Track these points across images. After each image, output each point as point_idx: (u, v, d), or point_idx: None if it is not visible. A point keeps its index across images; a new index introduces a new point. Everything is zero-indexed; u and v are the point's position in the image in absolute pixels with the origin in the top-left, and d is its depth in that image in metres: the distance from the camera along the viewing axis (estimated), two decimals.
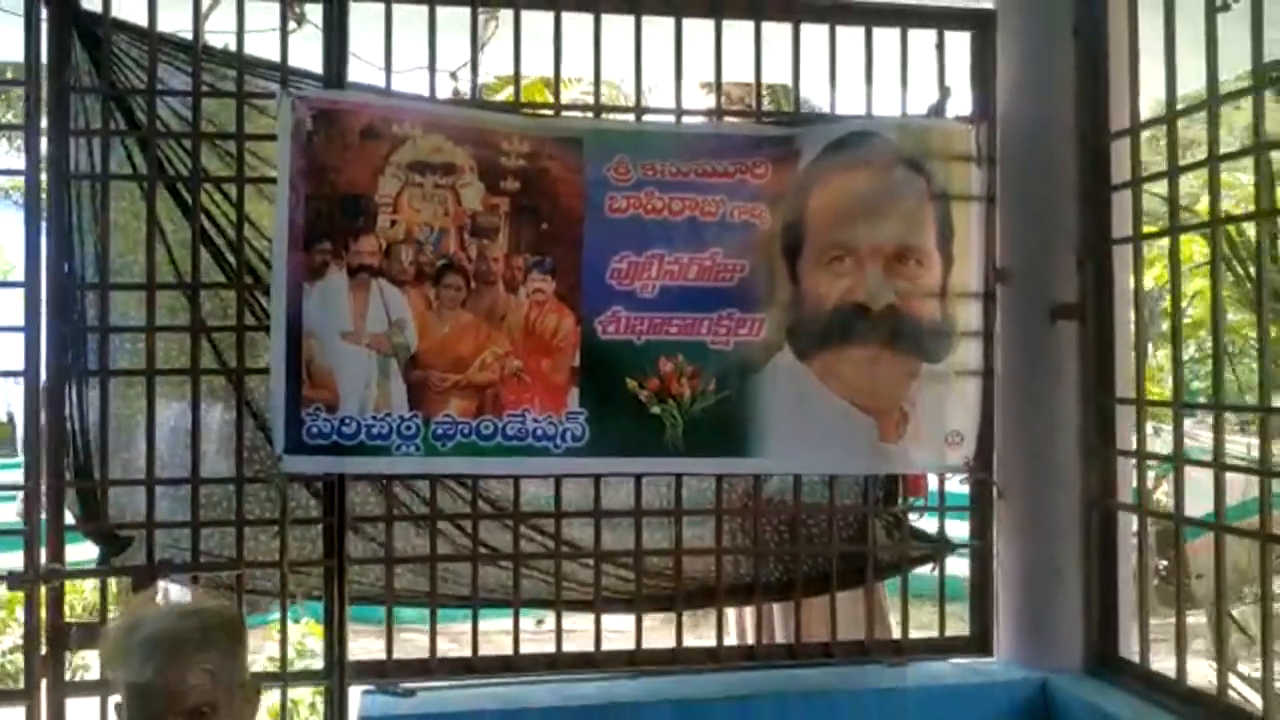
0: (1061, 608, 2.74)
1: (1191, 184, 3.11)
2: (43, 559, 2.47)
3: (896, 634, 2.98)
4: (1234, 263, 3.47)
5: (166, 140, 2.60)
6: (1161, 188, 2.52)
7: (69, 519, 2.54)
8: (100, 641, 1.93)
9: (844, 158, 2.77)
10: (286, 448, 2.53)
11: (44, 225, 2.50)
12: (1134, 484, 2.71)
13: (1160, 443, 2.48)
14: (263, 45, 2.63)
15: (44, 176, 2.51)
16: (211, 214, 2.64)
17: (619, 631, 2.86)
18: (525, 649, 2.77)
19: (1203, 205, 3.30)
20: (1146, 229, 2.60)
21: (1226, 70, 2.37)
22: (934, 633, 2.93)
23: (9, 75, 2.56)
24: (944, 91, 2.86)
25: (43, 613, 2.48)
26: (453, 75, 3.03)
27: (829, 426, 2.77)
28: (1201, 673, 2.68)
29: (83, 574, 2.68)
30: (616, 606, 2.85)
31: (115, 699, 1.76)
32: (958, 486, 3.03)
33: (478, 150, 2.62)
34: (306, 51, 2.64)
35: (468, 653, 2.72)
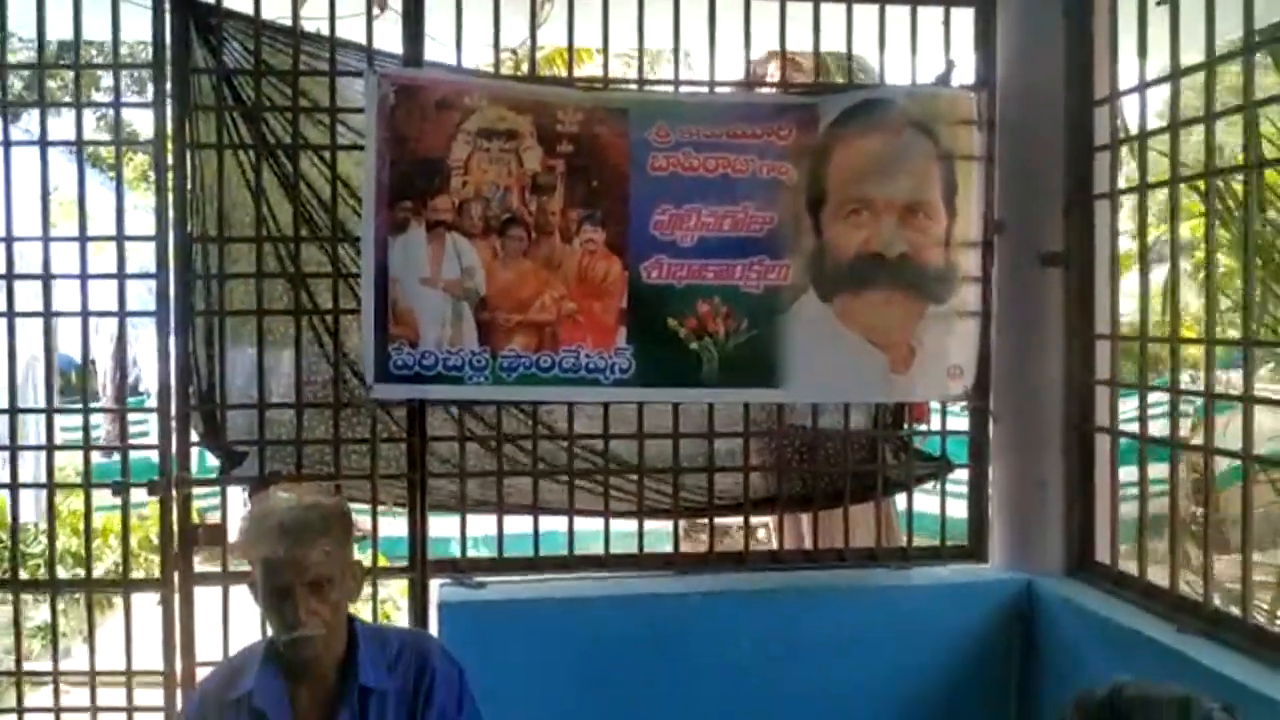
0: (1046, 519, 3.14)
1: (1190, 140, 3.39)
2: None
3: (903, 543, 3.39)
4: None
5: (271, 112, 3.02)
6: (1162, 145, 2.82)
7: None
8: (240, 528, 2.37)
9: (860, 122, 3.10)
10: (375, 378, 2.95)
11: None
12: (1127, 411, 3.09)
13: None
14: (350, 29, 3.01)
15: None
16: (308, 176, 3.06)
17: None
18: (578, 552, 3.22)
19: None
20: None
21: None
22: (936, 543, 3.35)
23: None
24: (949, 63, 3.20)
25: (174, 516, 2.96)
26: (513, 52, 3.41)
27: (846, 360, 3.13)
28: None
29: (207, 482, 3.10)
30: (657, 516, 3.28)
31: (249, 579, 2.17)
32: (958, 414, 3.41)
33: (537, 118, 2.99)
34: (388, 34, 3.03)
35: (530, 552, 3.17)
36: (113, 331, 3.20)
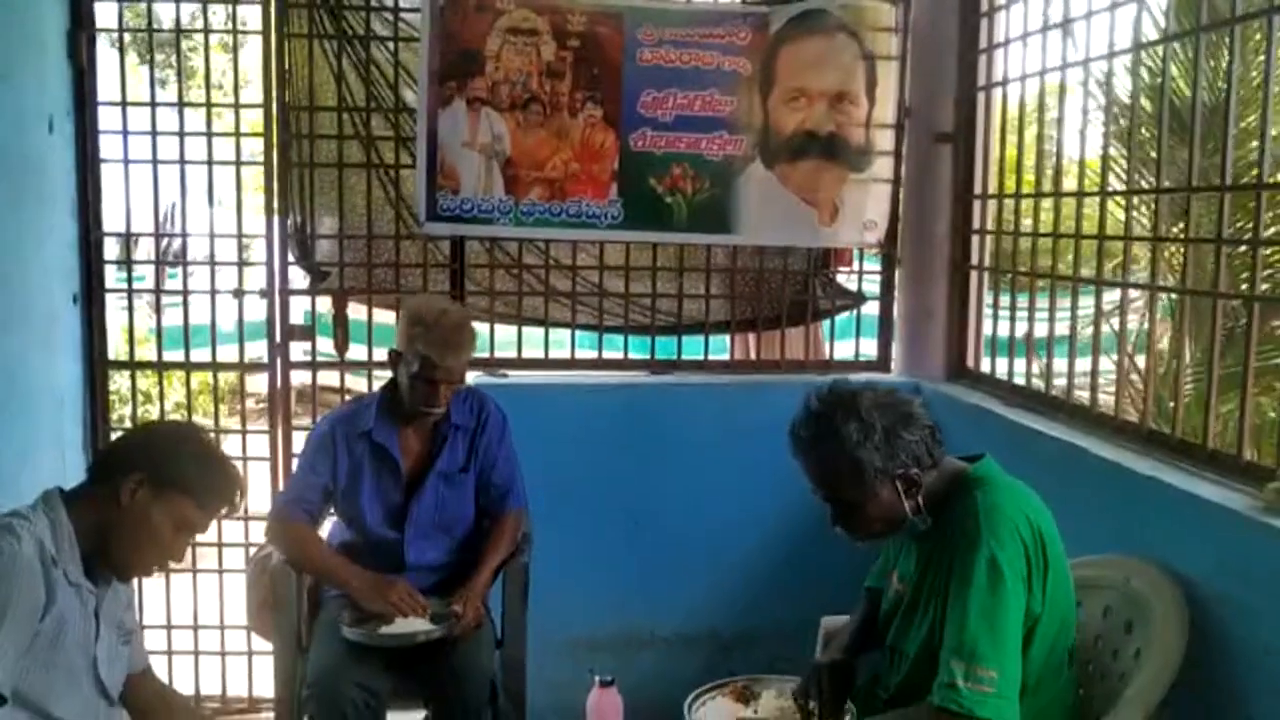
0: (933, 337, 4.13)
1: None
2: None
3: (826, 356, 4.39)
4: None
5: (348, 10, 3.93)
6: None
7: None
8: (410, 323, 3.06)
9: (801, 27, 3.99)
10: (426, 217, 3.91)
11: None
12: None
13: None
14: None
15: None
16: (376, 61, 3.98)
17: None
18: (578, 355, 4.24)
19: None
20: None
21: None
22: (852, 356, 4.35)
23: None
24: None
25: (278, 315, 3.96)
26: None
27: (784, 214, 4.06)
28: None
29: (300, 292, 4.07)
30: (637, 332, 4.27)
31: (397, 351, 3.05)
32: (872, 258, 4.36)
33: (552, 19, 3.87)
34: None
35: (542, 354, 4.18)
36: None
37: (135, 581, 2.45)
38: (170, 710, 2.42)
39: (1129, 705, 2.27)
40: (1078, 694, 2.44)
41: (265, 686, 3.92)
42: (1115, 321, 3.31)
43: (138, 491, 2.12)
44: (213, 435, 2.76)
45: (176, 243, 4.06)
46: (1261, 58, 4.23)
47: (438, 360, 3.00)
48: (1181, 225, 3.06)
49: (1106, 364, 3.67)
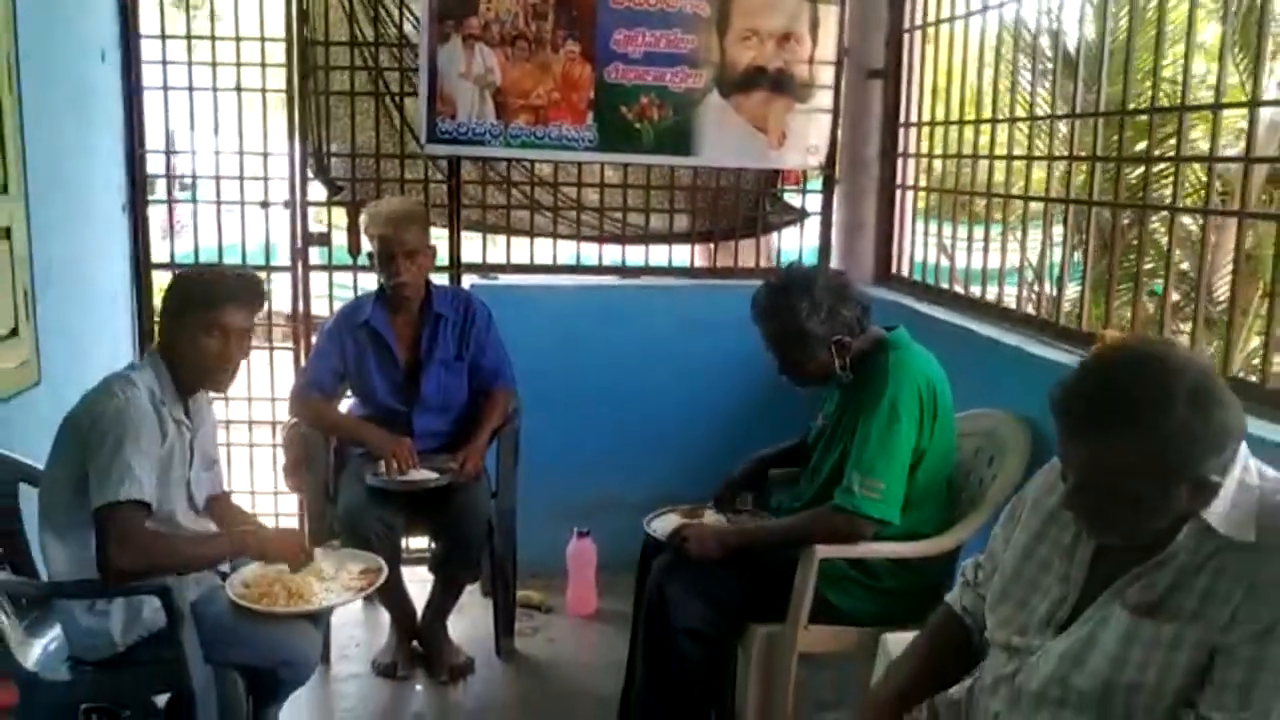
0: (864, 246, 4.79)
1: None
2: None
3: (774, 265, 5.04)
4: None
5: None
6: None
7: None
8: (364, 217, 3.83)
9: None
10: (427, 139, 4.51)
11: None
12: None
13: None
14: None
15: None
16: (383, 2, 4.55)
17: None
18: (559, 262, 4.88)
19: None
20: None
21: None
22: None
23: None
24: None
25: (299, 223, 4.57)
26: None
27: (739, 139, 4.68)
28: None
29: (318, 204, 4.69)
30: (610, 241, 4.91)
31: (370, 250, 3.72)
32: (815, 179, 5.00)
33: None
34: None
35: (528, 260, 4.82)
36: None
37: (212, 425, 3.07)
38: (241, 518, 3.08)
39: (983, 506, 2.99)
40: (952, 511, 3.14)
41: None
42: (1019, 233, 3.97)
43: (172, 326, 2.75)
44: None
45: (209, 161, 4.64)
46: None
47: (388, 233, 3.61)
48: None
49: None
